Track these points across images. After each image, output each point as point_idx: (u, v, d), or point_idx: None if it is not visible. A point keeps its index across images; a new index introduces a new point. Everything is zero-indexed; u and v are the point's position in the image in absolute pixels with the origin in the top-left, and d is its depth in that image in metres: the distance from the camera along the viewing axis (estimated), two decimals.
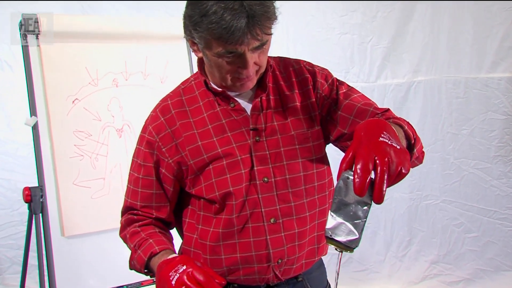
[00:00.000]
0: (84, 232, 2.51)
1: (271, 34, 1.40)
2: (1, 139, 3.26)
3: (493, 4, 3.71)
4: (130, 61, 2.74)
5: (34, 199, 2.39)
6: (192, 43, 1.48)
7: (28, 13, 2.48)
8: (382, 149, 1.13)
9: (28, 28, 2.48)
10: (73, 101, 2.56)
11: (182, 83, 1.63)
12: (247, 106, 1.54)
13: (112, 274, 2.55)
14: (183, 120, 1.52)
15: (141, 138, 1.58)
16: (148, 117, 1.59)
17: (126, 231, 1.58)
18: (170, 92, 1.62)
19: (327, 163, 1.61)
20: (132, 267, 1.58)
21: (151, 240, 1.50)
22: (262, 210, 1.49)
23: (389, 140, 1.17)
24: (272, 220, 1.49)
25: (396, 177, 1.12)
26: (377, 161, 1.11)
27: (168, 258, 1.38)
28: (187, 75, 2.79)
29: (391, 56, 3.97)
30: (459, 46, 3.86)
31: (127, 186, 1.61)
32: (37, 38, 2.51)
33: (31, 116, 2.46)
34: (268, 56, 1.57)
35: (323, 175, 1.58)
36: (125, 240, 1.61)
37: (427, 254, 4.03)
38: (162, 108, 1.56)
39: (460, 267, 3.95)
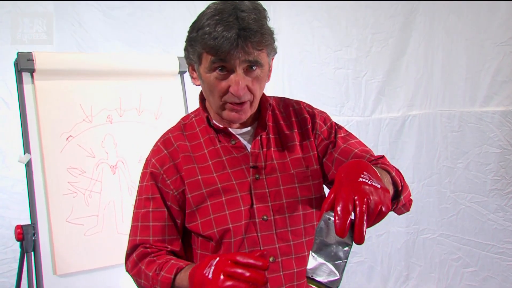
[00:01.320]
0: (77, 271, 2.48)
1: (263, 51, 1.42)
2: None
3: (486, 39, 3.74)
4: (124, 98, 2.75)
5: (26, 237, 2.37)
6: (191, 69, 1.53)
7: (24, 51, 2.50)
8: (362, 189, 1.13)
9: (23, 65, 2.48)
10: (67, 138, 2.56)
11: (183, 119, 1.64)
12: (248, 144, 1.55)
13: None
14: (184, 153, 1.53)
15: (143, 175, 1.57)
16: (150, 152, 1.59)
17: (141, 264, 1.49)
18: (171, 128, 1.63)
19: None
20: None
21: (172, 261, 1.44)
22: (261, 248, 1.48)
23: (369, 180, 1.16)
24: (271, 259, 1.48)
25: (376, 216, 1.12)
26: (357, 202, 1.10)
27: (197, 264, 1.32)
28: (181, 111, 2.81)
29: (385, 90, 3.99)
30: (452, 80, 3.89)
31: (133, 225, 1.56)
32: (32, 75, 2.52)
33: (24, 154, 2.46)
34: (268, 96, 1.58)
35: (319, 216, 1.57)
36: (138, 274, 1.50)
37: None
38: (165, 141, 1.57)
39: None
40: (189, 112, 1.76)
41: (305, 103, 1.71)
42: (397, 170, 1.52)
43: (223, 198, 1.49)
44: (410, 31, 3.93)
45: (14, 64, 2.50)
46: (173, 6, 3.61)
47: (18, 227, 2.39)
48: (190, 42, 1.45)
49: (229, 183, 1.50)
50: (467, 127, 3.86)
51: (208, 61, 1.41)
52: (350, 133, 1.70)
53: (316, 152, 1.61)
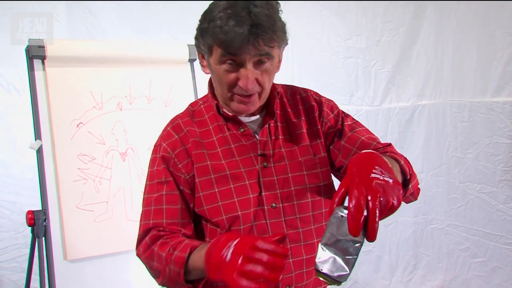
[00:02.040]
0: (87, 256, 2.50)
1: (274, 47, 1.41)
2: (7, 161, 3.27)
3: (497, 29, 3.73)
4: (134, 85, 2.76)
5: (37, 222, 2.39)
6: (201, 57, 1.53)
7: (35, 38, 2.51)
8: (374, 186, 1.13)
9: (34, 52, 2.49)
10: (77, 125, 2.57)
11: (191, 105, 1.64)
12: (256, 132, 1.56)
13: None
14: (194, 138, 1.53)
15: (153, 160, 1.57)
16: (159, 138, 1.59)
17: (153, 246, 1.46)
18: (180, 114, 1.63)
19: (335, 190, 1.60)
20: (165, 278, 1.43)
21: (186, 241, 1.41)
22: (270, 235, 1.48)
23: (381, 175, 1.16)
24: None
25: (388, 211, 1.13)
26: (370, 200, 1.10)
27: (212, 241, 1.28)
28: (191, 99, 2.81)
29: (395, 80, 3.99)
30: (463, 70, 3.89)
31: (145, 210, 1.54)
32: (43, 63, 2.53)
33: (35, 140, 2.48)
34: (276, 83, 1.59)
35: (327, 203, 1.58)
36: (150, 257, 1.46)
37: (433, 279, 4.02)
38: (174, 126, 1.57)
39: None
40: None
41: (312, 91, 1.71)
42: (405, 158, 1.52)
43: (232, 186, 1.49)
44: (421, 20, 3.93)
45: (25, 51, 2.50)
46: None
47: (30, 212, 2.41)
48: (201, 32, 1.45)
49: (237, 170, 1.51)
50: (477, 117, 3.86)
51: (218, 54, 1.41)
52: (357, 121, 1.70)
53: (323, 140, 1.61)
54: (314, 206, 1.55)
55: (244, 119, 1.55)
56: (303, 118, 1.62)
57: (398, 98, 4.02)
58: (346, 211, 1.12)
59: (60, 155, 2.51)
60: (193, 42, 2.91)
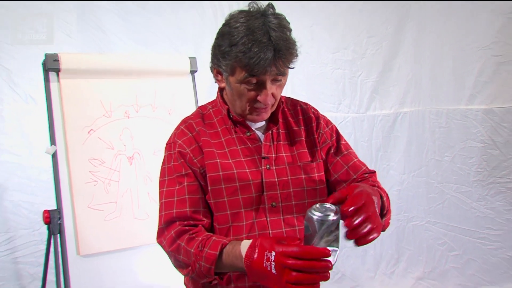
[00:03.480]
0: (98, 251, 2.51)
1: (291, 68, 1.47)
2: (24, 165, 3.27)
3: (470, 44, 3.76)
4: (140, 95, 2.76)
5: (53, 221, 2.40)
6: (217, 72, 1.56)
7: (50, 52, 2.53)
8: (376, 219, 1.24)
9: (50, 65, 2.51)
10: (88, 132, 2.58)
11: (201, 109, 1.66)
12: (261, 137, 1.59)
13: None
14: (205, 138, 1.55)
15: (169, 156, 1.57)
16: (172, 136, 1.60)
17: (180, 240, 1.44)
18: (191, 115, 1.65)
19: (327, 194, 1.66)
20: (195, 273, 1.41)
21: (214, 238, 1.40)
22: (270, 232, 1.51)
23: (377, 210, 1.28)
24: None
25: (366, 243, 1.22)
26: (374, 228, 1.20)
27: (246, 248, 1.27)
28: (192, 106, 2.84)
29: (379, 89, 4.00)
30: (440, 80, 3.90)
31: (166, 201, 1.52)
32: (57, 75, 2.54)
33: (51, 145, 2.49)
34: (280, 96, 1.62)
35: None
36: (177, 250, 1.44)
37: (414, 271, 4.02)
38: (188, 126, 1.59)
39: (444, 283, 3.94)
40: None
41: (311, 105, 1.76)
42: (387, 194, 1.58)
43: (237, 184, 1.51)
44: (401, 35, 3.94)
45: (42, 64, 2.52)
46: (184, 10, 3.62)
47: (46, 211, 2.42)
48: (223, 54, 1.46)
49: (243, 170, 1.53)
50: (453, 123, 3.87)
51: (242, 75, 1.44)
52: (347, 142, 1.76)
53: (319, 148, 1.65)
54: (310, 206, 1.58)
55: (251, 124, 1.59)
56: (302, 127, 1.66)
57: (382, 106, 4.02)
58: (333, 217, 1.15)
59: (73, 159, 2.51)
60: (193, 55, 2.96)
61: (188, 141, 1.54)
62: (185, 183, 1.51)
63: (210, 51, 1.55)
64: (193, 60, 2.91)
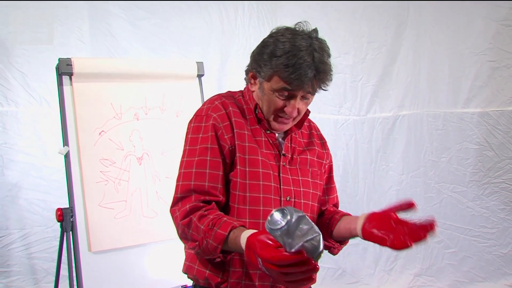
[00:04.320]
0: (108, 248, 2.51)
1: (324, 90, 1.50)
2: (38, 165, 3.29)
3: (465, 49, 3.77)
4: (149, 98, 2.76)
5: (65, 218, 2.40)
6: (251, 76, 1.56)
7: (64, 57, 2.53)
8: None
9: (63, 70, 2.50)
10: (99, 133, 2.58)
11: (232, 93, 1.65)
12: (279, 138, 1.61)
13: (131, 285, 2.56)
14: (237, 119, 1.54)
15: (198, 127, 1.53)
16: (206, 109, 1.56)
17: (192, 216, 1.41)
18: (223, 93, 1.63)
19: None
20: (202, 249, 1.39)
21: (225, 218, 1.38)
22: None
23: None
24: None
25: None
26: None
27: (245, 244, 1.25)
28: None
29: (379, 93, 4.00)
30: (437, 84, 3.91)
31: (185, 171, 1.49)
32: (70, 78, 2.54)
33: (63, 146, 2.49)
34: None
35: (317, 211, 1.66)
36: (188, 225, 1.42)
37: (412, 268, 4.02)
38: (222, 103, 1.55)
39: (440, 279, 3.95)
40: None
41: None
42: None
43: (260, 170, 1.51)
44: (400, 41, 3.95)
45: (56, 68, 2.52)
46: (191, 16, 3.64)
47: (59, 209, 2.41)
48: (264, 61, 1.48)
49: (265, 159, 1.53)
50: (449, 126, 3.88)
51: (278, 85, 1.46)
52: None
53: (326, 163, 1.71)
54: (312, 208, 1.61)
55: None
56: (317, 141, 1.71)
57: (381, 109, 4.02)
58: (281, 223, 1.11)
59: (84, 159, 2.51)
60: (200, 59, 2.98)
61: (222, 117, 1.52)
62: (208, 157, 1.48)
63: (250, 56, 1.56)
64: (200, 65, 2.91)
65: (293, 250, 1.11)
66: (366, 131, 4.00)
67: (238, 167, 1.49)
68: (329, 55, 1.50)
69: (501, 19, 3.69)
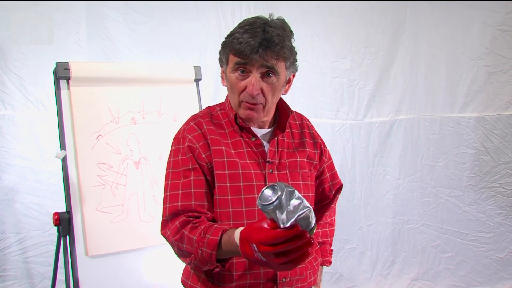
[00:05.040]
0: (105, 252, 2.51)
1: (280, 62, 1.47)
2: (35, 169, 3.28)
3: (462, 54, 3.78)
4: (146, 102, 2.76)
5: (63, 222, 2.40)
6: (222, 72, 1.59)
7: (61, 61, 2.53)
8: None
9: (61, 74, 2.50)
10: (97, 137, 2.58)
11: (210, 110, 1.66)
12: (266, 143, 1.61)
13: None
14: (213, 136, 1.55)
15: (177, 150, 1.56)
16: (182, 131, 1.59)
17: (183, 230, 1.42)
18: (199, 112, 1.66)
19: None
20: (198, 259, 1.39)
21: (215, 225, 1.39)
22: None
23: None
24: None
25: None
26: None
27: (239, 243, 1.24)
28: None
29: (376, 97, 4.01)
30: (434, 89, 3.92)
31: (171, 194, 1.51)
32: (68, 82, 2.54)
33: (61, 150, 2.48)
34: (289, 106, 1.65)
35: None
36: (180, 239, 1.43)
37: (409, 272, 4.02)
38: (197, 123, 1.58)
39: (437, 283, 3.96)
40: None
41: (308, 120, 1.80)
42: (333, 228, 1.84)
43: (241, 184, 1.52)
44: (397, 45, 3.95)
45: (53, 72, 2.52)
46: (189, 21, 3.63)
47: (56, 213, 2.41)
48: (223, 46, 1.53)
49: (248, 171, 1.53)
50: (446, 130, 3.89)
51: (233, 62, 1.48)
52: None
53: (318, 163, 1.71)
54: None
55: (256, 130, 1.60)
56: (308, 140, 1.70)
57: (379, 113, 4.03)
58: (273, 198, 1.11)
59: (82, 163, 2.51)
60: (198, 63, 2.98)
61: (197, 137, 1.54)
62: (192, 177, 1.50)
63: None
64: (197, 69, 2.91)
65: (287, 225, 1.11)
66: (363, 136, 4.00)
67: (216, 184, 1.51)
68: (287, 33, 1.50)
69: (497, 24, 3.71)
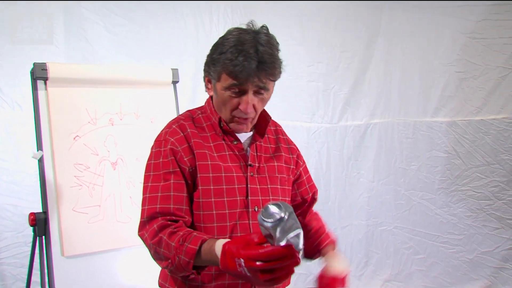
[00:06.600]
0: (82, 253, 2.50)
1: (273, 81, 1.50)
2: (10, 169, 3.24)
3: (435, 60, 3.85)
4: (124, 104, 2.76)
5: (39, 223, 2.38)
6: (207, 81, 1.58)
7: (39, 62, 2.51)
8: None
9: (38, 74, 2.48)
10: (74, 138, 2.57)
11: (191, 113, 1.67)
12: (247, 147, 1.63)
13: None
14: (196, 139, 1.56)
15: (158, 152, 1.55)
16: (164, 134, 1.58)
17: (162, 234, 1.42)
18: (181, 115, 1.65)
19: None
20: (175, 266, 1.39)
21: (195, 233, 1.39)
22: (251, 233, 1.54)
23: None
24: None
25: None
26: None
27: (220, 252, 1.26)
28: (173, 115, 2.83)
29: (351, 101, 4.04)
30: (408, 94, 3.98)
31: (150, 196, 1.51)
32: (45, 83, 2.52)
33: (37, 150, 2.47)
34: (267, 112, 1.67)
35: None
36: (158, 243, 1.42)
37: (382, 274, 4.07)
38: (180, 126, 1.58)
39: (409, 284, 4.01)
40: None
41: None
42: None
43: (224, 186, 1.53)
44: (372, 50, 4.00)
45: (30, 73, 2.50)
46: (167, 24, 3.63)
47: (32, 214, 2.39)
48: (213, 61, 1.51)
49: (230, 174, 1.55)
50: (419, 134, 3.95)
51: (227, 82, 1.48)
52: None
53: (294, 168, 1.74)
54: None
55: (238, 134, 1.62)
56: (284, 146, 1.73)
57: (353, 117, 4.06)
58: (282, 214, 1.15)
59: (59, 164, 2.50)
60: (175, 66, 2.99)
61: (180, 140, 1.54)
62: (172, 181, 1.50)
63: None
64: (175, 71, 2.92)
65: (282, 243, 1.13)
66: (338, 139, 4.03)
67: (200, 187, 1.52)
68: (276, 49, 1.52)
69: (468, 32, 3.78)
